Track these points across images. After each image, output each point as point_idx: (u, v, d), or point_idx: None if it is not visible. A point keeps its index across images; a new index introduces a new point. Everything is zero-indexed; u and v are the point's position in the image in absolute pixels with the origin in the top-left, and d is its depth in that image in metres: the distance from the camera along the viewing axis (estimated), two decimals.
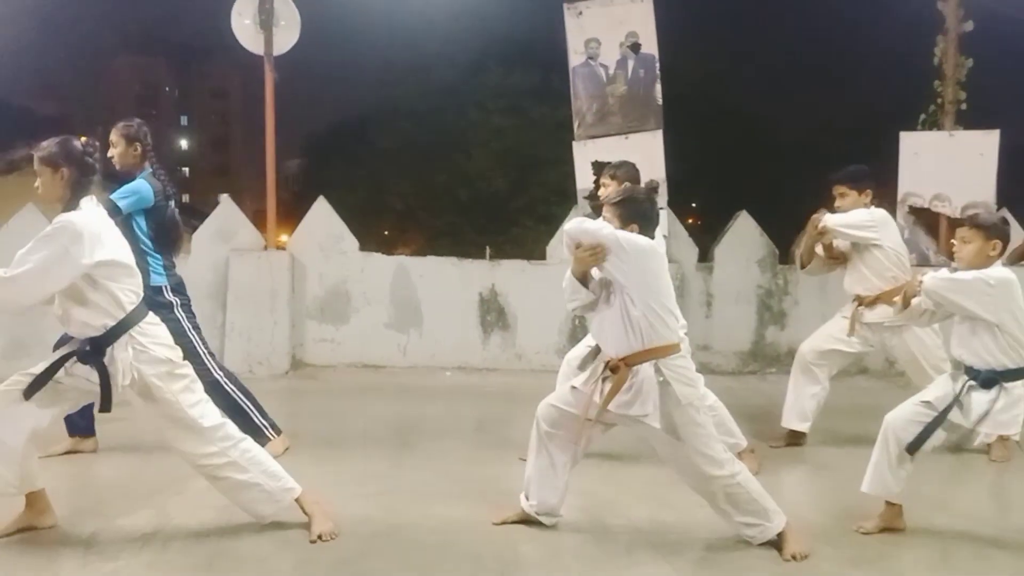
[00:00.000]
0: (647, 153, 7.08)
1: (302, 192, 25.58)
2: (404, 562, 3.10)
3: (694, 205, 19.22)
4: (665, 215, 7.10)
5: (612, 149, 7.17)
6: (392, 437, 5.14)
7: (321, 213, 7.49)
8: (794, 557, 3.18)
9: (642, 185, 4.40)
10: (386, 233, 23.65)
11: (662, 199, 7.06)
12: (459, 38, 19.58)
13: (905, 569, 3.31)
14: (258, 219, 7.81)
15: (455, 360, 7.37)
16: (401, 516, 3.61)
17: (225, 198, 7.44)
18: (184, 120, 58.43)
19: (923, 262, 7.23)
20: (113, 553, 3.13)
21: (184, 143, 57.71)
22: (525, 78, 19.87)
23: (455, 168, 20.75)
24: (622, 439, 3.95)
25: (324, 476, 4.18)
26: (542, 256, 7.61)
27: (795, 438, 4.97)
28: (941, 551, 3.41)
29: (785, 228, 8.18)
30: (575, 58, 7.22)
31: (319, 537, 3.25)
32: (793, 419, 4.94)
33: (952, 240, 3.62)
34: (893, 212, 7.30)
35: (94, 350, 3.08)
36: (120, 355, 3.08)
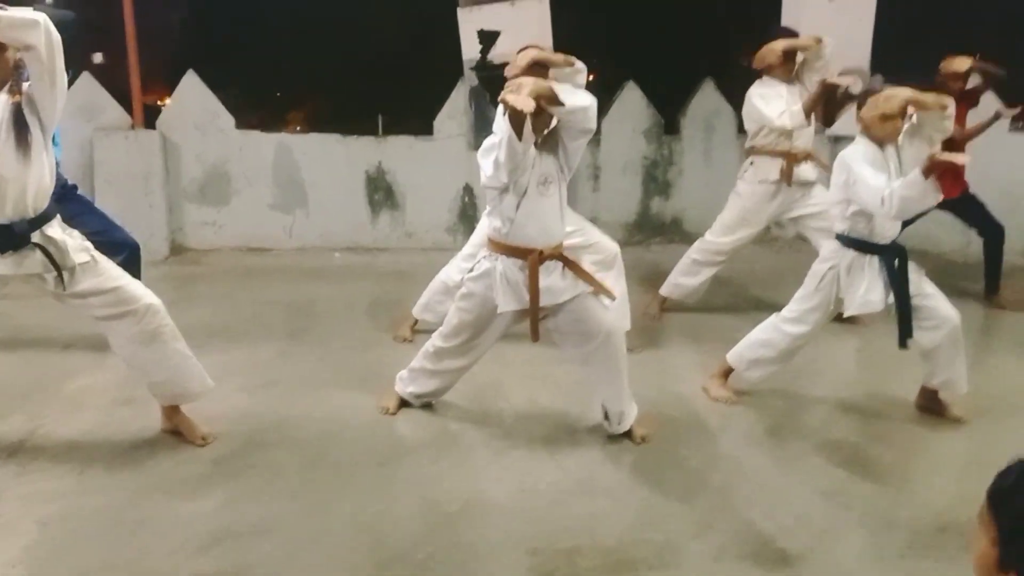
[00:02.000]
0: (534, 21, 6.89)
1: (185, 51, 23.87)
2: (287, 456, 3.14)
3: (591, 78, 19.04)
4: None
5: (498, 17, 6.95)
6: (279, 324, 5.08)
7: (192, 88, 7.05)
8: (643, 439, 3.38)
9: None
10: (278, 95, 22.51)
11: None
12: None
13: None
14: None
15: (344, 240, 7.26)
16: (286, 408, 3.63)
17: (86, 75, 6.86)
18: None
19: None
20: None
21: None
22: None
23: (348, 24, 19.64)
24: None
25: (208, 368, 4.10)
26: (429, 129, 7.42)
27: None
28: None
29: (676, 93, 8.23)
30: None
31: (203, 439, 3.24)
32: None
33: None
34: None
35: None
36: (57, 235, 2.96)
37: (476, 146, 6.26)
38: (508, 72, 3.83)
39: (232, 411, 3.57)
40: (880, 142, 3.38)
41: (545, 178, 3.10)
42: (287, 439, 3.30)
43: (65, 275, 2.93)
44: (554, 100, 2.86)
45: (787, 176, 5.05)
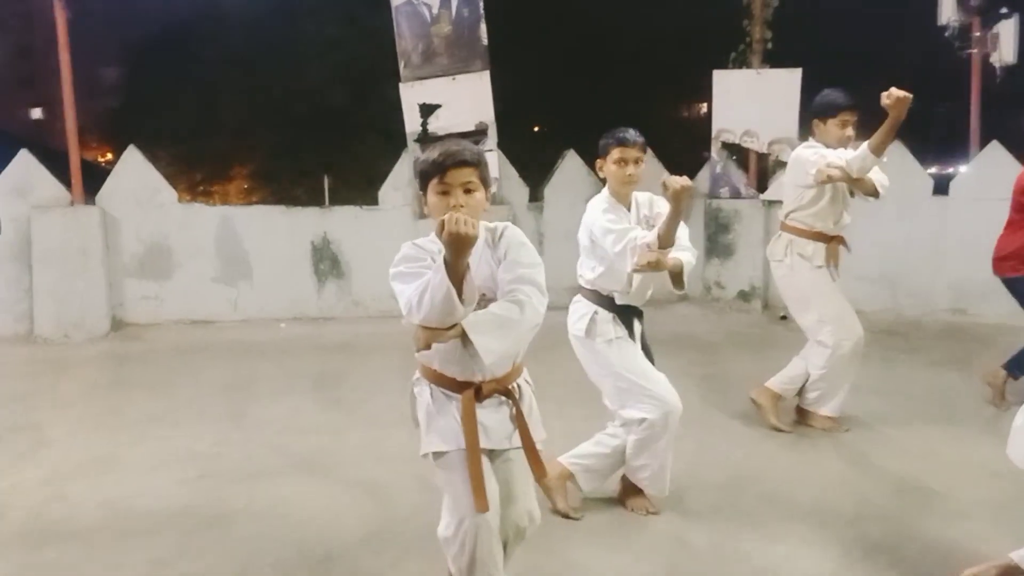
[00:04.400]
0: (475, 95, 7.07)
1: (123, 107, 23.63)
2: (227, 557, 3.09)
3: (537, 130, 19.39)
4: (496, 157, 7.15)
5: (439, 91, 7.11)
6: (220, 407, 5.01)
7: (133, 164, 7.03)
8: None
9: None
10: (220, 164, 22.27)
11: (491, 141, 7.10)
12: None
13: None
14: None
15: (289, 311, 7.25)
16: (225, 502, 3.57)
17: (22, 152, 6.81)
18: None
19: (735, 195, 7.69)
20: None
21: None
22: None
23: (293, 81, 19.65)
24: None
25: (145, 460, 4.08)
26: (374, 199, 7.48)
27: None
28: None
29: None
30: None
31: None
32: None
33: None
34: (708, 147, 7.73)
35: None
36: None
37: (421, 216, 6.35)
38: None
39: (168, 507, 3.50)
40: None
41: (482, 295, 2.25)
42: (225, 538, 3.23)
43: None
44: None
45: None
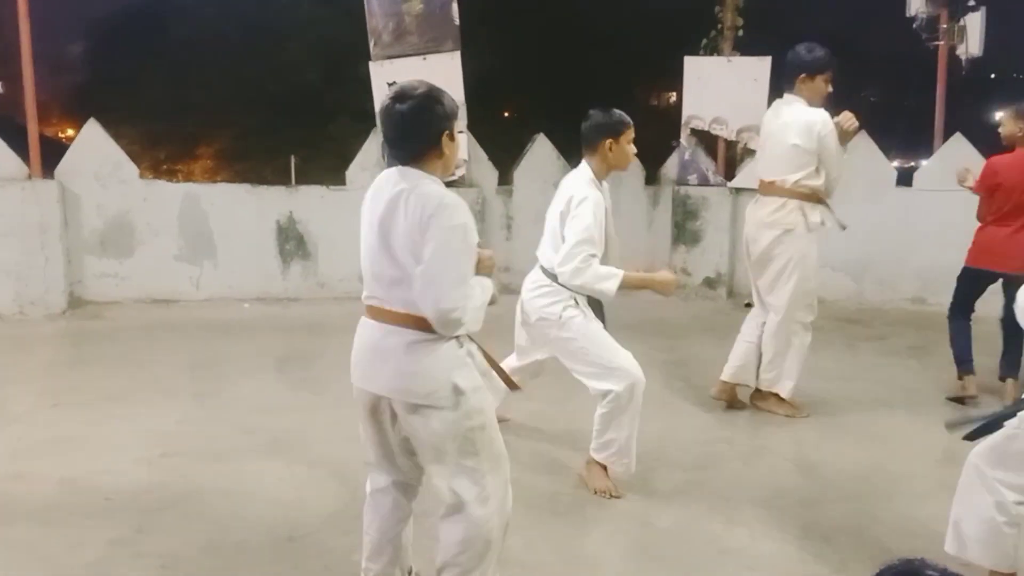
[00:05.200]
0: (445, 75, 6.98)
1: (86, 82, 23.06)
2: (189, 536, 3.05)
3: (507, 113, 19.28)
4: (465, 139, 7.10)
5: (410, 70, 7.00)
6: (183, 385, 4.94)
7: (93, 138, 6.85)
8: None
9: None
10: (183, 139, 21.85)
11: (461, 123, 7.03)
12: None
13: None
14: (40, 114, 6.95)
15: (254, 291, 7.14)
16: (188, 480, 3.52)
17: None
18: None
19: (703, 182, 7.73)
20: None
21: None
22: None
23: (266, 59, 19.34)
24: None
25: (106, 438, 4.00)
26: (341, 180, 7.39)
27: None
28: None
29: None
30: None
31: None
32: None
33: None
34: (677, 134, 7.76)
35: None
36: None
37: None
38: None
39: (129, 486, 3.44)
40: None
41: None
42: (187, 518, 3.19)
43: None
44: None
45: None
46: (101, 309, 6.73)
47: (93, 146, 6.84)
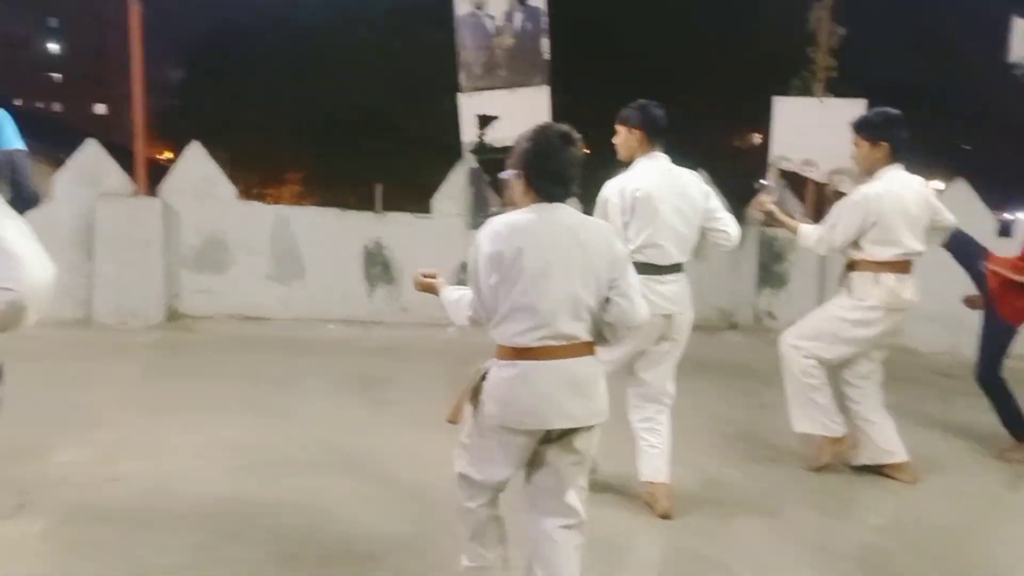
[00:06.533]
0: (533, 108, 7.10)
1: (185, 106, 24.21)
2: (272, 547, 3.12)
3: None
4: None
5: (498, 103, 7.17)
6: (267, 399, 5.08)
7: (195, 158, 7.19)
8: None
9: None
10: (276, 163, 22.73)
11: None
12: None
13: None
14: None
15: (339, 313, 7.33)
16: (270, 492, 3.61)
17: (91, 141, 7.01)
18: (53, 22, 53.93)
19: None
20: None
21: (53, 47, 53.49)
22: None
23: (348, 90, 20.04)
24: None
25: (193, 447, 4.14)
26: (426, 207, 7.54)
27: None
28: None
29: None
30: (462, 7, 7.10)
31: None
32: None
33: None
34: (764, 174, 7.66)
35: None
36: None
37: (474, 226, 6.41)
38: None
39: (214, 494, 3.55)
40: None
41: None
42: (270, 529, 3.26)
43: None
44: None
45: None
46: (194, 323, 6.99)
47: (195, 166, 7.17)
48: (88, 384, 5.20)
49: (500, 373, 2.43)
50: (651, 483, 3.63)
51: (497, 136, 7.08)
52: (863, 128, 4.06)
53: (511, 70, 7.10)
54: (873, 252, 4.00)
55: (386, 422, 4.79)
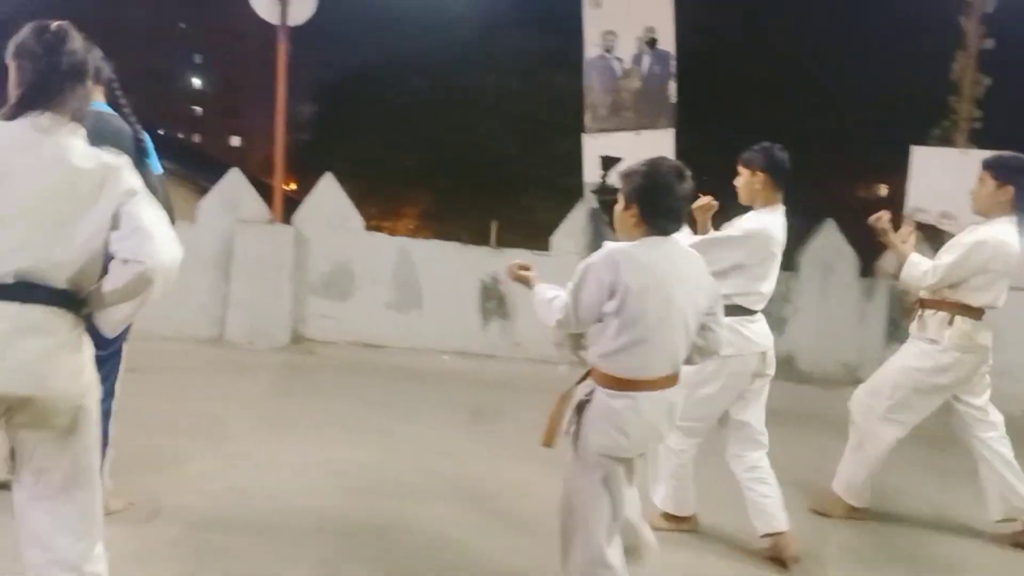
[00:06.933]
0: (657, 151, 7.04)
1: (313, 140, 25.49)
2: (392, 569, 3.18)
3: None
4: None
5: (623, 145, 7.20)
6: (383, 424, 5.20)
7: (328, 190, 7.52)
8: None
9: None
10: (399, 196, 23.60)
11: None
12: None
13: None
14: (267, 165, 7.76)
15: (454, 344, 7.45)
16: (385, 516, 3.68)
17: (234, 170, 7.46)
18: (198, 58, 57.93)
19: None
20: (106, 539, 3.21)
21: (196, 82, 57.40)
22: (542, 42, 19.64)
23: (468, 129, 20.65)
24: None
25: (313, 465, 4.28)
26: (545, 244, 7.61)
27: None
28: None
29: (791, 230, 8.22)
30: (591, 50, 7.20)
31: None
32: None
33: None
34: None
35: None
36: None
37: None
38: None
39: (333, 512, 3.66)
40: None
41: None
42: (389, 550, 3.34)
43: None
44: None
45: None
46: (317, 347, 7.26)
47: (327, 197, 7.50)
48: (218, 399, 5.46)
49: (611, 403, 2.51)
50: (773, 535, 3.50)
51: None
52: (994, 167, 3.93)
53: (637, 112, 7.13)
54: (967, 296, 3.89)
55: (497, 454, 4.81)
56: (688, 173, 2.56)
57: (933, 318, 3.96)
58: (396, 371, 6.79)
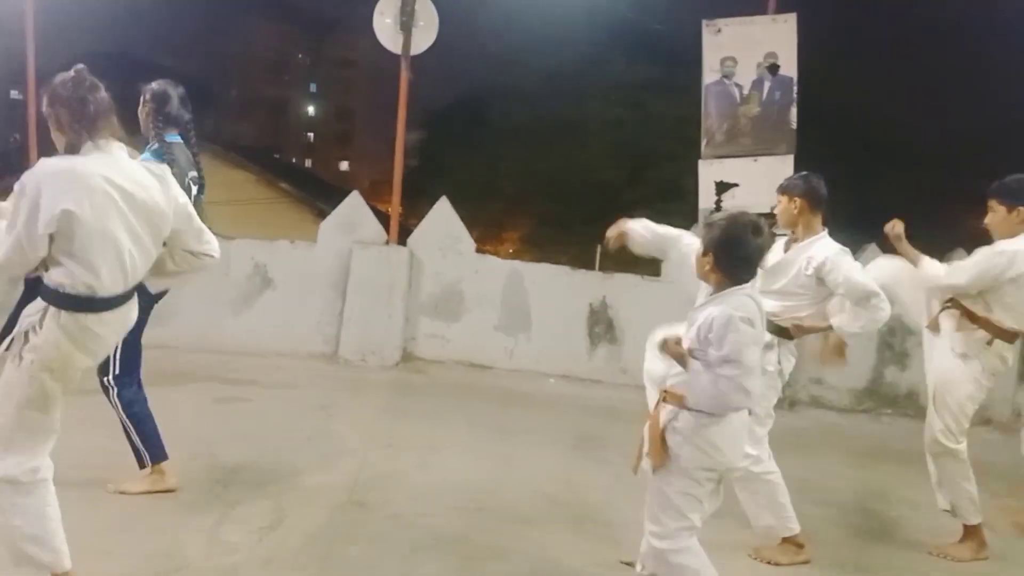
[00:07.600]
0: (775, 178, 6.90)
1: (418, 165, 26.19)
2: None
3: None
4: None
5: (739, 171, 7.08)
6: (490, 445, 5.25)
7: (442, 213, 7.68)
8: None
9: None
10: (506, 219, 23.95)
11: None
12: (584, 26, 19.54)
13: None
14: (373, 189, 8.00)
15: (560, 368, 7.44)
16: (500, 538, 3.70)
17: (354, 193, 7.72)
18: (313, 87, 60.45)
19: None
20: (233, 545, 3.35)
21: (311, 110, 59.91)
22: (648, 71, 19.67)
23: (570, 156, 20.81)
24: None
25: (426, 482, 4.36)
26: (656, 270, 7.54)
27: None
28: None
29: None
30: (709, 76, 7.11)
31: None
32: None
33: None
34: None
35: None
36: None
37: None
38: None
39: (448, 531, 3.70)
40: None
41: None
42: (505, 572, 3.36)
43: None
44: None
45: None
46: (426, 366, 7.39)
47: (441, 220, 7.65)
48: (334, 414, 5.62)
49: (700, 420, 2.72)
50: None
51: (735, 204, 6.96)
52: (999, 194, 3.94)
53: (755, 138, 6.99)
54: (1000, 317, 3.86)
55: (604, 481, 4.76)
56: (766, 228, 2.71)
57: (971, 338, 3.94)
58: (503, 392, 6.84)
